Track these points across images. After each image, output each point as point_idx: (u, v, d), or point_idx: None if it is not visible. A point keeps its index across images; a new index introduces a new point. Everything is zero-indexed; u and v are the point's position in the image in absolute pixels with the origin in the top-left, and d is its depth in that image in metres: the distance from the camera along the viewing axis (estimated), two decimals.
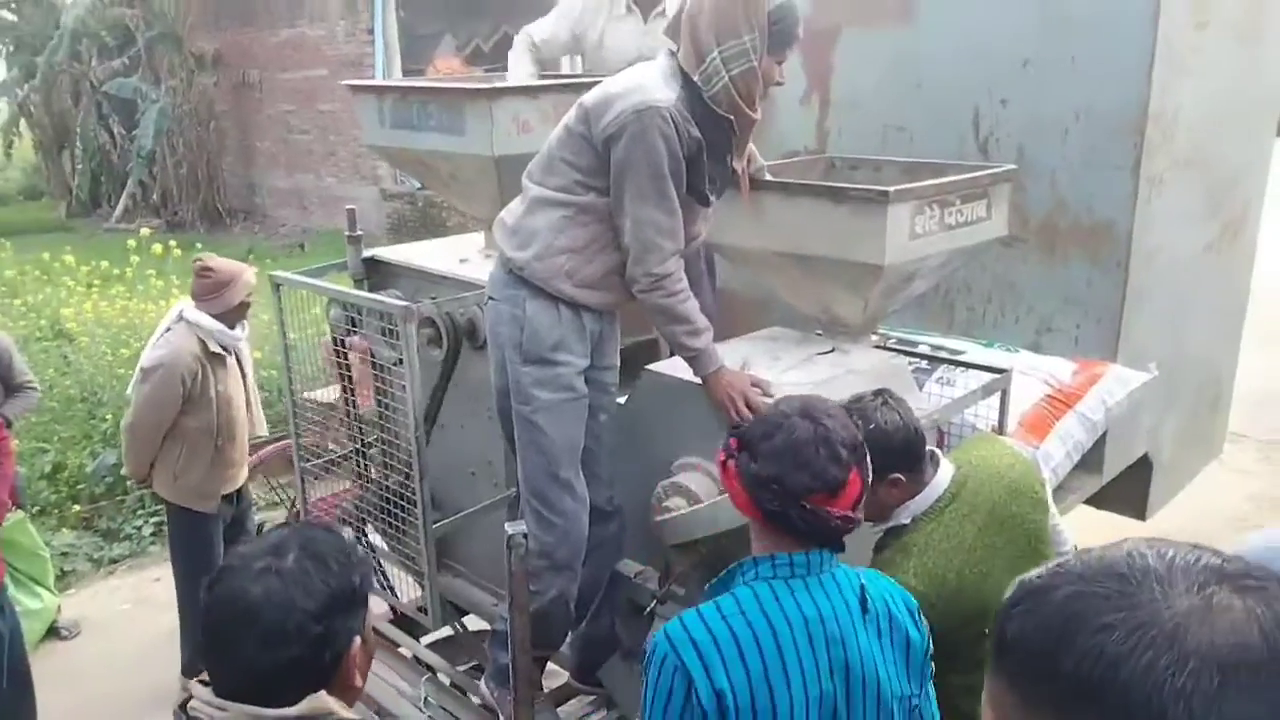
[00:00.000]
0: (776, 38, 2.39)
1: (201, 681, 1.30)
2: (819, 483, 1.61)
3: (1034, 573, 0.72)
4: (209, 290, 3.85)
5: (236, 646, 1.26)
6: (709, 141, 2.44)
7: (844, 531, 1.66)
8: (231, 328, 3.90)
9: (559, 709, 2.95)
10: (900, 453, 2.06)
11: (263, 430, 4.26)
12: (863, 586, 1.70)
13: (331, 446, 3.45)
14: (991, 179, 2.87)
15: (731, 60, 2.37)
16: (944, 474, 2.17)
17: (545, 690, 2.99)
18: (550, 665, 3.10)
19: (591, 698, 3.04)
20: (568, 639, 2.92)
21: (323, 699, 1.28)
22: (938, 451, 2.25)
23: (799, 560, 1.65)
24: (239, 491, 4.14)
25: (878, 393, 2.16)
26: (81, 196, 15.37)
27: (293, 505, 3.51)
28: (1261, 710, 0.59)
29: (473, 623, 3.56)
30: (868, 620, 1.68)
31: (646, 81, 2.41)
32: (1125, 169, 3.38)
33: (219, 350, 3.87)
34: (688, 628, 1.61)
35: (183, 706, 1.30)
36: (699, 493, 2.54)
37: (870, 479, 1.72)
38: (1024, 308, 3.72)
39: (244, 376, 4.09)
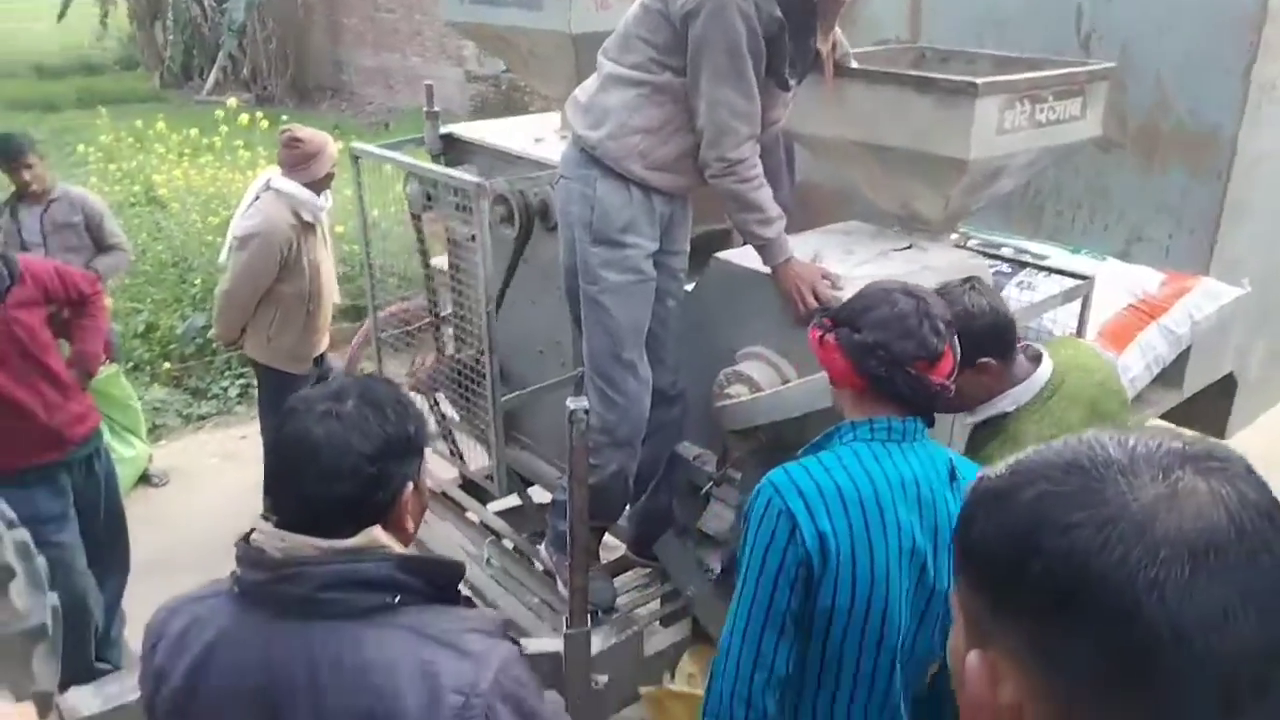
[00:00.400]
0: None
1: (264, 517, 1.39)
2: (923, 350, 1.70)
3: (991, 472, 0.70)
4: (298, 161, 3.91)
5: (298, 481, 1.35)
6: (791, 23, 2.36)
7: (940, 399, 1.75)
8: (318, 195, 3.98)
9: (615, 579, 3.06)
10: (989, 337, 2.06)
11: (336, 299, 4.36)
12: (951, 460, 1.78)
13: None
14: (1088, 76, 2.75)
15: None
16: (1046, 367, 2.18)
17: (602, 560, 3.10)
18: (609, 539, 3.21)
19: (646, 570, 3.15)
20: (625, 513, 3.00)
21: (376, 532, 1.35)
22: (1038, 346, 2.25)
23: (896, 425, 1.74)
24: (322, 355, 4.29)
25: (966, 279, 2.16)
26: (174, 68, 15.57)
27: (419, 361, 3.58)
28: (1232, 592, 0.59)
29: (538, 495, 3.68)
30: (955, 489, 1.75)
31: None
32: (1236, 73, 3.19)
33: (311, 220, 3.96)
34: (793, 477, 1.68)
35: (245, 538, 1.38)
36: (761, 381, 2.56)
37: (959, 358, 1.78)
38: (1115, 215, 3.58)
39: (327, 246, 4.19)
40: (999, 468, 0.70)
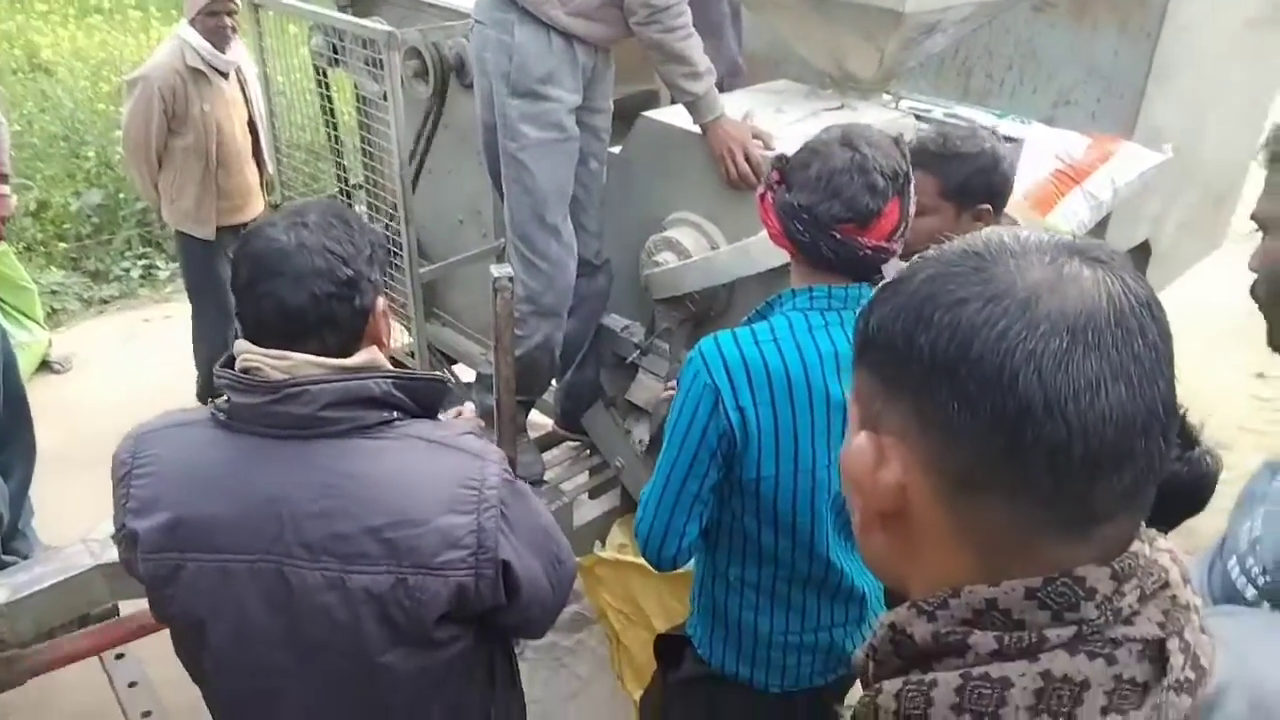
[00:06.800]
0: None
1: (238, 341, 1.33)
2: (850, 212, 1.55)
3: (893, 270, 0.73)
4: None
5: (273, 287, 1.28)
6: None
7: (877, 263, 1.61)
8: (219, 49, 3.73)
9: (543, 453, 3.02)
10: (1000, 185, 2.02)
11: (271, 168, 4.08)
12: None
13: None
14: None
15: None
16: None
17: (529, 435, 3.06)
18: (536, 417, 3.16)
19: (574, 443, 3.11)
20: (552, 387, 2.94)
21: (375, 353, 1.36)
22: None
23: (837, 293, 1.63)
24: (247, 226, 4.06)
25: (993, 130, 2.09)
26: None
27: None
28: (1105, 367, 0.62)
29: (462, 373, 3.59)
30: None
31: None
32: None
33: (200, 68, 3.72)
34: (721, 347, 1.62)
35: (228, 363, 1.32)
36: (690, 248, 2.49)
37: (912, 210, 1.64)
38: (1044, 77, 3.54)
39: (250, 108, 3.94)
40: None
